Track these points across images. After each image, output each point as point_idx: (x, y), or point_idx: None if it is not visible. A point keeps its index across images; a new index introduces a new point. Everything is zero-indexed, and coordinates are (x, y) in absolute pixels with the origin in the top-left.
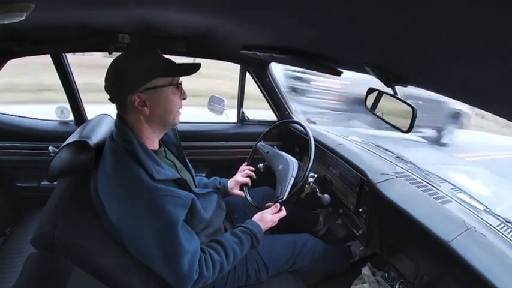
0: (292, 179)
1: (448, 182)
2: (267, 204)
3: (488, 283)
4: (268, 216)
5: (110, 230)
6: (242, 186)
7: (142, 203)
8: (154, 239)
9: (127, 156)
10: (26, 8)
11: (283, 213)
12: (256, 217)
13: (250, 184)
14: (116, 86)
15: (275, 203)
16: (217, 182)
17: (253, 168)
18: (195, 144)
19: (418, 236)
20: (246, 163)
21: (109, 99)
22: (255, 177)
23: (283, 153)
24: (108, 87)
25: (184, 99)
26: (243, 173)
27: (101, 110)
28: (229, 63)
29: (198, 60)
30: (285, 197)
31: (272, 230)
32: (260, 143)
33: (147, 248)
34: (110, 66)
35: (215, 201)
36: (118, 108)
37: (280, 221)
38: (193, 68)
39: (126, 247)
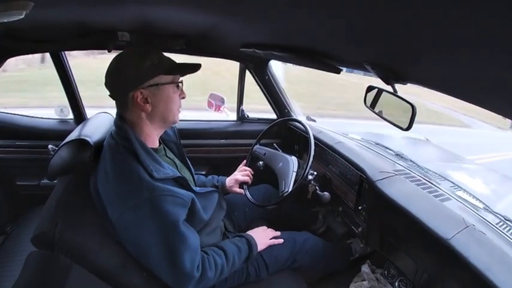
0: (294, 174)
1: (448, 180)
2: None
3: (487, 281)
4: (262, 234)
5: (110, 228)
6: (242, 184)
7: (142, 202)
8: (155, 238)
9: (126, 154)
10: (25, 6)
11: (274, 233)
12: (251, 232)
13: (250, 182)
14: (118, 82)
15: (280, 197)
16: (215, 180)
17: (252, 172)
18: (195, 142)
19: (417, 233)
20: (245, 161)
21: (109, 95)
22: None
23: (280, 152)
24: (109, 84)
25: (183, 98)
26: (244, 173)
27: None
28: None
29: (198, 59)
30: (290, 190)
31: (272, 228)
32: (256, 146)
33: (147, 247)
34: (112, 63)
35: (216, 201)
36: (118, 106)
37: (280, 219)
38: (193, 68)
39: (125, 246)
